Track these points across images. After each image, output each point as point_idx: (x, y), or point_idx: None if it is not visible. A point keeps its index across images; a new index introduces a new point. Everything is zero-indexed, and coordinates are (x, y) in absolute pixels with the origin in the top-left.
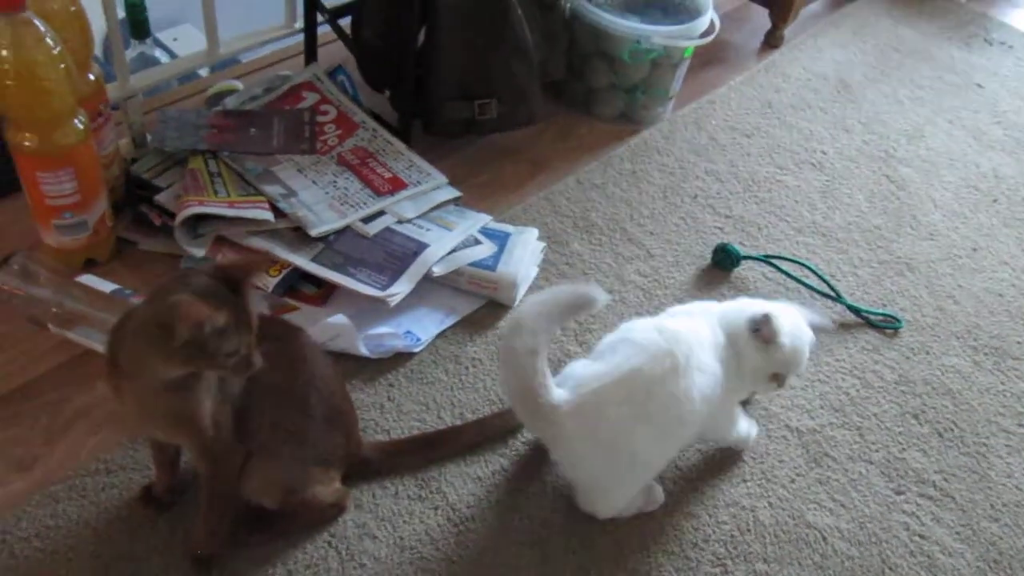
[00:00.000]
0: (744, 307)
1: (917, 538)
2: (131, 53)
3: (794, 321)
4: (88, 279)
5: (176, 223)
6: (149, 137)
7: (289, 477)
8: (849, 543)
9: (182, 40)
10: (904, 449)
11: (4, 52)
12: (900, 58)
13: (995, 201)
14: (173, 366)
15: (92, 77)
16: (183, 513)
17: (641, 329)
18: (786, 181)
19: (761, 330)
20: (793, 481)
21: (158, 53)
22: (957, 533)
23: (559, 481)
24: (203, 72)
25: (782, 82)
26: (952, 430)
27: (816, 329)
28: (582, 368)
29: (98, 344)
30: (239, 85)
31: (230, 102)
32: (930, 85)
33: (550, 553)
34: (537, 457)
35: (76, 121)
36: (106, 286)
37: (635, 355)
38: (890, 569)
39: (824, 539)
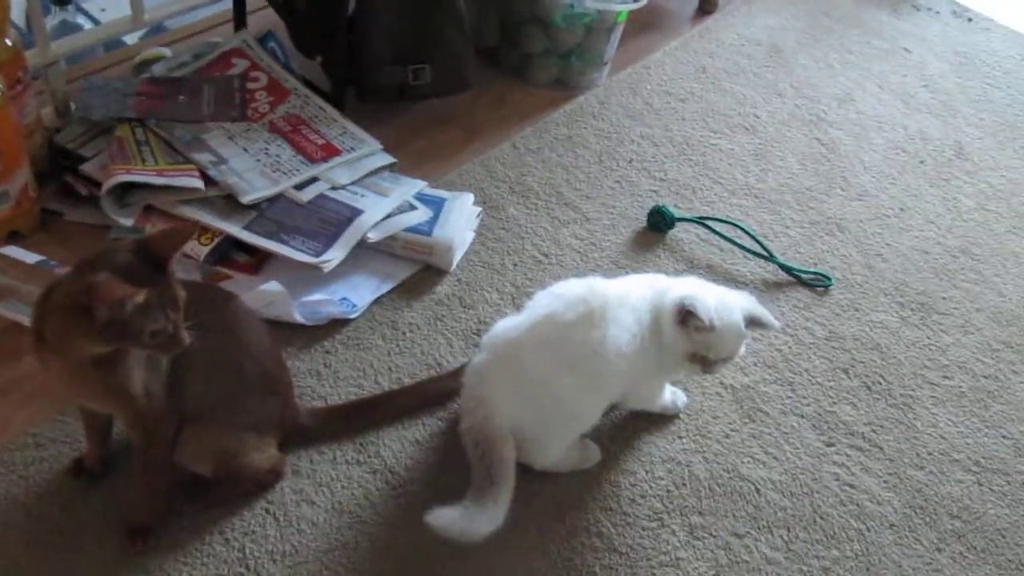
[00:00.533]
0: (687, 287)
1: (847, 487)
2: (52, 21)
3: (723, 308)
4: (11, 250)
5: (103, 192)
6: (73, 106)
7: (223, 444)
8: (782, 494)
9: (110, 10)
10: (834, 403)
11: None
12: (831, 23)
13: (922, 162)
14: (98, 345)
15: (9, 43)
16: (116, 485)
17: (568, 284)
18: (720, 145)
19: (684, 317)
20: (727, 436)
21: (81, 20)
22: (885, 482)
23: None
24: (130, 40)
25: (716, 48)
26: (880, 383)
27: (759, 324)
28: (504, 323)
29: (24, 317)
30: (167, 52)
31: (158, 69)
32: (859, 50)
33: None
34: None
35: None
36: (30, 257)
37: (551, 303)
38: (821, 518)
39: (758, 491)
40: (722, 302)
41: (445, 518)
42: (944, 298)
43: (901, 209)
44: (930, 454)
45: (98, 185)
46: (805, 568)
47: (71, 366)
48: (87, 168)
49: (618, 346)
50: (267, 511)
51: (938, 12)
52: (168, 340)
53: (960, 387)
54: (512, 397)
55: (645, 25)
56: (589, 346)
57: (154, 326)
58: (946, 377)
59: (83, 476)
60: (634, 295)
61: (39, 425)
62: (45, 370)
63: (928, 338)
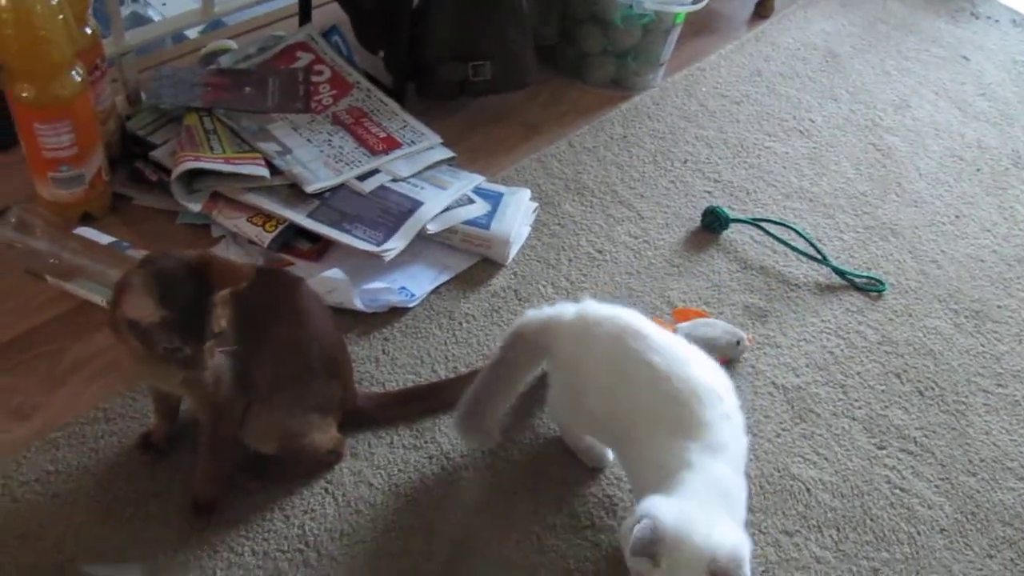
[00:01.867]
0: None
1: (898, 491)
2: (124, 11)
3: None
4: (85, 231)
5: (172, 178)
6: (144, 95)
7: (288, 424)
8: (832, 495)
9: (171, 5)
10: (886, 406)
11: (3, 1)
12: (887, 30)
13: (978, 170)
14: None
15: (89, 31)
16: (181, 460)
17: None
18: (774, 148)
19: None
20: (778, 436)
21: (151, 12)
22: (936, 487)
23: (550, 432)
24: (194, 33)
25: (771, 51)
26: (933, 389)
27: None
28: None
29: (96, 295)
30: (233, 45)
31: (224, 61)
32: (916, 57)
33: (542, 500)
34: (529, 409)
35: (74, 73)
36: (103, 238)
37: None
38: (871, 520)
39: (808, 491)
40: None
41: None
42: (999, 306)
43: (956, 216)
44: (982, 461)
45: (167, 171)
46: (854, 568)
47: (142, 348)
48: (157, 155)
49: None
50: (326, 491)
51: (997, 21)
52: (185, 360)
53: (1014, 395)
54: (579, 366)
55: (701, 28)
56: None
57: (167, 345)
58: (1000, 385)
59: (150, 451)
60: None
61: (109, 400)
62: (121, 349)
63: (982, 346)
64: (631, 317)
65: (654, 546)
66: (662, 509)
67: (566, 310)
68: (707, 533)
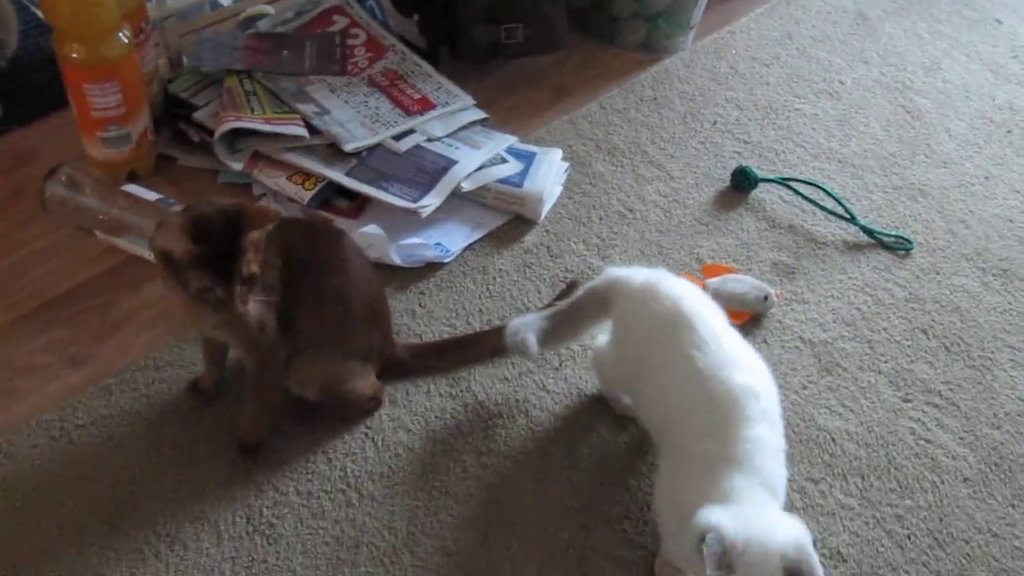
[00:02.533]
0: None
1: (922, 442)
2: None
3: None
4: (133, 188)
5: (215, 137)
6: (185, 58)
7: (330, 371)
8: (857, 444)
9: None
10: (912, 361)
11: None
12: None
13: (1009, 132)
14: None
15: None
16: (228, 405)
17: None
18: (804, 109)
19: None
20: (805, 388)
21: None
22: (960, 439)
23: (582, 382)
24: (230, 0)
25: (802, 14)
26: (959, 345)
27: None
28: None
29: (144, 250)
30: (270, 10)
31: (262, 25)
32: (948, 19)
33: (574, 447)
34: (559, 360)
35: (121, 35)
36: (150, 195)
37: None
38: (896, 469)
39: (834, 441)
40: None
41: (517, 323)
42: None
43: (986, 177)
44: (1007, 414)
45: (209, 132)
46: (878, 515)
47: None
48: (199, 116)
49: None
50: (366, 435)
51: None
52: (216, 302)
53: None
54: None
55: None
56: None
57: (197, 284)
58: None
59: (199, 396)
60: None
61: (158, 350)
62: (171, 299)
63: (1009, 304)
64: (691, 303)
65: (727, 557)
66: (723, 519)
67: (637, 275)
68: (772, 532)
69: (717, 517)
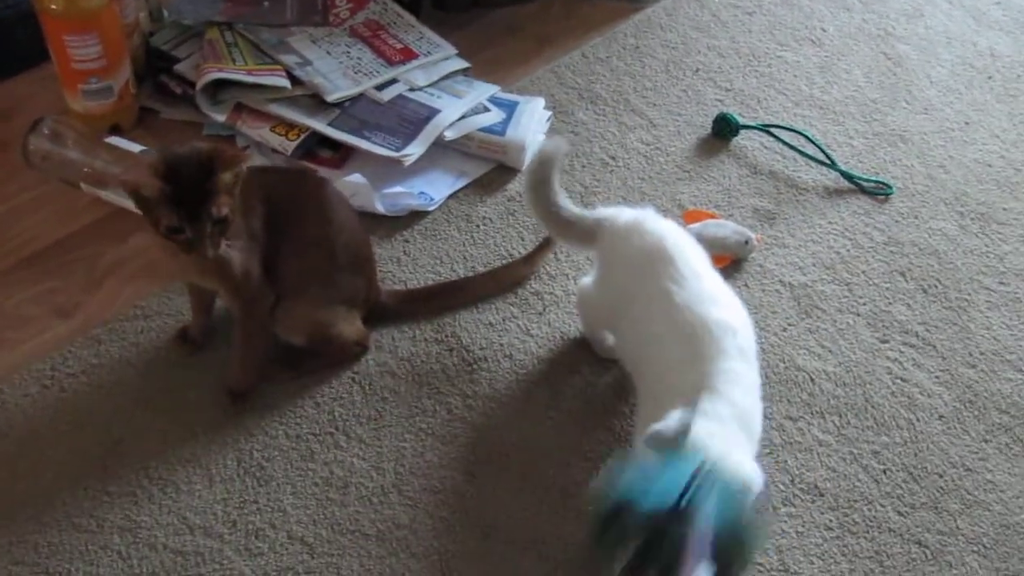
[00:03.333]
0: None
1: (899, 381)
2: None
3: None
4: (116, 140)
5: (197, 89)
6: (166, 11)
7: (316, 316)
8: (835, 384)
9: None
10: (890, 303)
11: None
12: None
13: (990, 78)
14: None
15: None
16: (217, 353)
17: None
18: (786, 57)
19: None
20: (785, 330)
21: None
22: (936, 377)
23: (565, 326)
24: None
25: None
26: (936, 287)
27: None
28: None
29: (128, 202)
30: None
31: None
32: None
33: (558, 389)
34: (543, 305)
35: None
36: (134, 146)
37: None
38: (873, 407)
39: (812, 380)
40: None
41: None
42: (1005, 209)
43: (966, 123)
44: (982, 354)
45: (191, 85)
46: (855, 451)
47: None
48: (180, 68)
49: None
50: (353, 380)
51: None
52: (185, 243)
53: (1016, 293)
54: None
55: None
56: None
57: (167, 222)
58: (1002, 283)
59: (188, 344)
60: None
61: (145, 300)
62: (155, 247)
63: (986, 246)
64: (675, 241)
65: (678, 442)
66: (696, 420)
67: (625, 212)
68: (724, 455)
69: (689, 416)
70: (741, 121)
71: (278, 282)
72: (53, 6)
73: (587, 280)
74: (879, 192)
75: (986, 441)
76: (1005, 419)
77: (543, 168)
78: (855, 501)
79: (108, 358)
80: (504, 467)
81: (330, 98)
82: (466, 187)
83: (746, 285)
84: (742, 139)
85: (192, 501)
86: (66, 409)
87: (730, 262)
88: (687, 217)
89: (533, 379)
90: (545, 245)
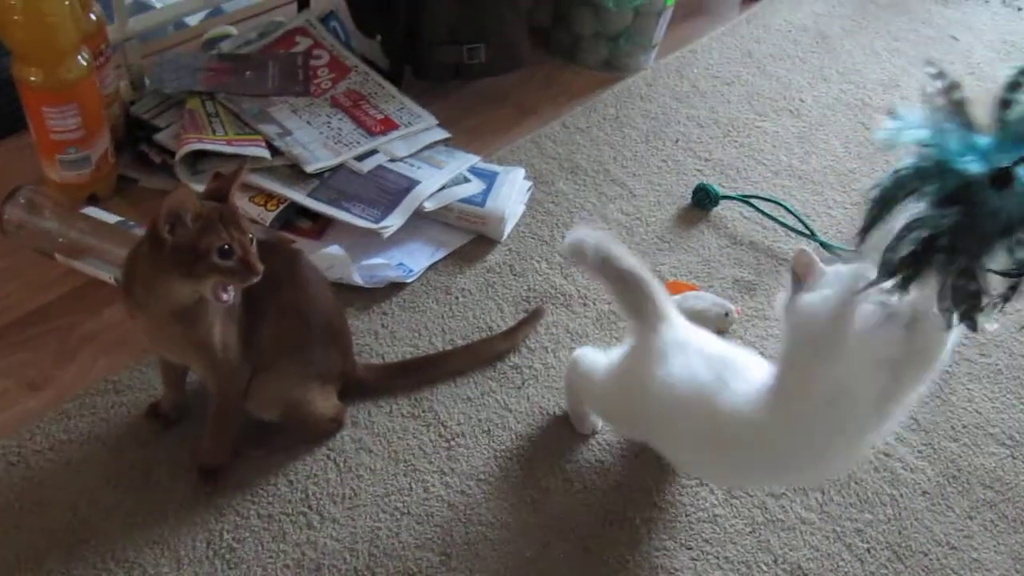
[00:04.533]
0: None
1: (881, 455)
2: None
3: None
4: (93, 211)
5: (176, 159)
6: (147, 80)
7: (290, 392)
8: None
9: None
10: None
11: None
12: (877, 10)
13: None
14: (178, 280)
15: (94, 17)
16: (189, 428)
17: None
18: (764, 127)
19: None
20: None
21: (154, 0)
22: (919, 451)
23: (544, 400)
24: (195, 20)
25: (763, 33)
26: None
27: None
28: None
29: (104, 273)
30: (233, 31)
31: (225, 46)
32: (906, 37)
33: (536, 466)
34: (522, 379)
35: (80, 58)
36: (110, 217)
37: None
38: (856, 483)
39: None
40: None
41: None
42: None
43: None
44: (965, 427)
45: (171, 154)
46: (839, 528)
47: (157, 319)
48: (161, 138)
49: None
50: (328, 457)
51: (987, 1)
52: (239, 264)
53: (996, 364)
54: None
55: (693, 10)
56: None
57: (219, 242)
58: (983, 355)
59: (159, 420)
60: None
61: (118, 372)
62: (133, 324)
63: None
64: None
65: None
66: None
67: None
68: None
69: None
70: (721, 191)
71: (253, 355)
72: (32, 77)
73: (596, 361)
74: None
75: (971, 518)
76: (989, 495)
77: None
78: None
79: (77, 434)
80: (480, 548)
81: (309, 168)
82: (445, 258)
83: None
84: (722, 209)
85: None
86: (31, 487)
87: None
88: (667, 288)
89: (511, 455)
90: (527, 321)
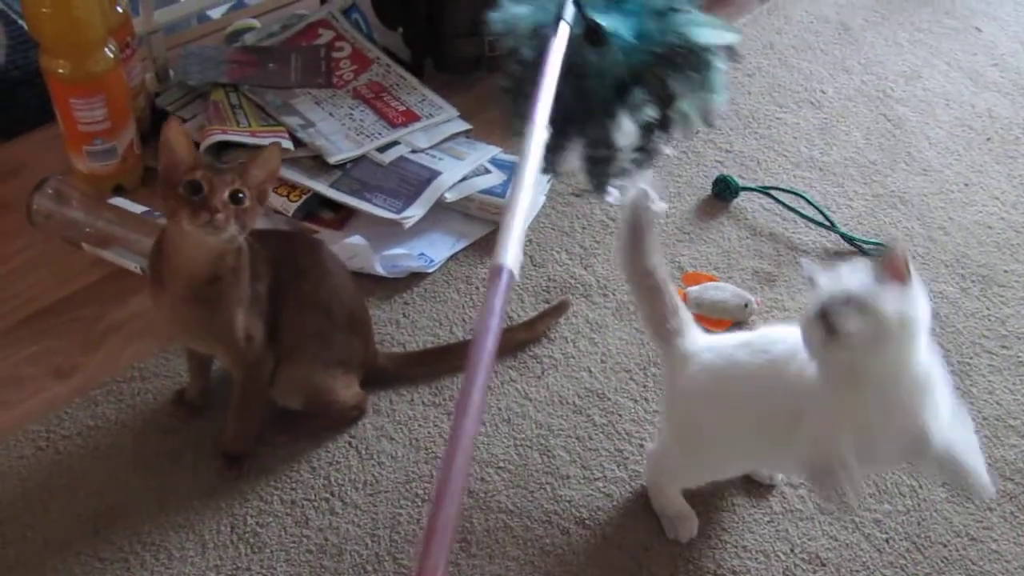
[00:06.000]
0: None
1: None
2: None
3: None
4: (119, 201)
5: (201, 150)
6: (172, 72)
7: (313, 380)
8: None
9: None
10: None
11: None
12: (900, 1)
13: (988, 139)
14: (169, 217)
15: (120, 10)
16: (214, 416)
17: None
18: (785, 119)
19: None
20: None
21: None
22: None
23: (564, 389)
24: (218, 13)
25: (784, 24)
26: (938, 351)
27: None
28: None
29: (130, 263)
30: (257, 23)
31: (248, 39)
32: (929, 28)
33: (555, 454)
34: (542, 368)
35: (107, 50)
36: (136, 208)
37: None
38: (875, 474)
39: None
40: None
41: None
42: (1006, 271)
43: (965, 184)
44: (985, 419)
45: (196, 145)
46: (857, 519)
47: (182, 305)
48: (185, 129)
49: None
50: (350, 444)
51: None
52: (197, 207)
53: (1018, 356)
54: None
55: (715, 2)
56: None
57: (189, 176)
58: (1004, 347)
59: (184, 407)
60: None
61: (144, 360)
62: (159, 312)
63: (988, 309)
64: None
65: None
66: None
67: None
68: None
69: None
70: (741, 183)
71: (276, 345)
72: (60, 69)
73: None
74: (879, 254)
75: (991, 509)
76: (1010, 486)
77: (635, 221)
78: (857, 571)
79: (104, 420)
80: (500, 535)
81: (332, 160)
82: (466, 249)
83: None
84: (742, 201)
85: (184, 568)
86: (60, 472)
87: (730, 325)
88: (687, 280)
89: (530, 444)
90: (550, 313)
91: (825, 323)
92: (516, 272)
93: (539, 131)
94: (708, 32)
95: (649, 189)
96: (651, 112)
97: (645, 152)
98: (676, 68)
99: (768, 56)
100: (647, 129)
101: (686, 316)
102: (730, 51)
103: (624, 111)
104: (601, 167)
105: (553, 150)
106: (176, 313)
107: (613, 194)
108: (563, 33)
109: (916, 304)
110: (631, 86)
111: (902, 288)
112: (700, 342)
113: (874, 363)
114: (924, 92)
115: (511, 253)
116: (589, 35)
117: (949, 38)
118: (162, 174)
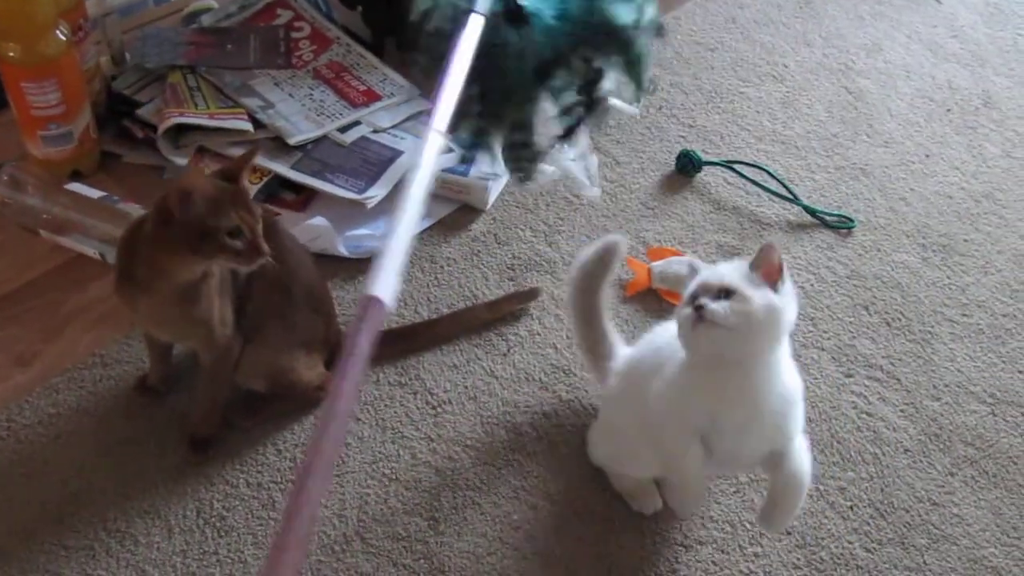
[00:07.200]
0: None
1: (864, 415)
2: None
3: None
4: (76, 187)
5: (159, 133)
6: (128, 55)
7: (277, 362)
8: None
9: None
10: (854, 337)
11: None
12: None
13: (949, 111)
14: (184, 256)
15: None
16: (177, 400)
17: None
18: (748, 93)
19: None
20: None
21: None
22: (901, 411)
23: (529, 367)
24: None
25: None
26: (900, 320)
27: None
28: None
29: (89, 248)
30: (213, 4)
31: (206, 20)
32: (889, 1)
33: (522, 432)
34: (507, 346)
35: (58, 32)
36: (94, 193)
37: None
38: (838, 442)
39: None
40: None
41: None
42: (966, 240)
43: (926, 155)
44: (947, 386)
45: (153, 128)
46: (822, 487)
47: (159, 302)
48: (143, 112)
49: None
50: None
51: None
52: (248, 247)
53: (978, 324)
54: None
55: None
56: None
57: (228, 224)
58: (965, 315)
59: (147, 393)
60: None
61: (105, 347)
62: (131, 310)
63: (948, 278)
64: None
65: None
66: None
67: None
68: None
69: None
70: (704, 157)
71: (242, 328)
72: (11, 53)
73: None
74: (841, 226)
75: (952, 475)
76: (970, 452)
77: (599, 263)
78: (822, 539)
79: (66, 408)
80: (468, 512)
81: (292, 141)
82: (430, 228)
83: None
84: (705, 175)
85: (151, 554)
86: (22, 461)
87: None
88: (651, 255)
89: (497, 421)
90: (517, 297)
91: (696, 309)
92: (390, 303)
93: (433, 142)
94: (630, 9)
95: (581, 176)
96: (574, 94)
97: (567, 136)
98: (598, 48)
99: (730, 31)
100: (569, 112)
101: (614, 339)
102: (658, 28)
103: (545, 94)
104: (520, 151)
105: (476, 134)
106: (155, 310)
107: (540, 176)
108: (474, 27)
109: (785, 303)
110: (553, 67)
111: (774, 286)
112: (621, 357)
113: (738, 351)
114: (885, 64)
115: (386, 282)
116: (509, 14)
117: (909, 10)
118: (193, 223)
